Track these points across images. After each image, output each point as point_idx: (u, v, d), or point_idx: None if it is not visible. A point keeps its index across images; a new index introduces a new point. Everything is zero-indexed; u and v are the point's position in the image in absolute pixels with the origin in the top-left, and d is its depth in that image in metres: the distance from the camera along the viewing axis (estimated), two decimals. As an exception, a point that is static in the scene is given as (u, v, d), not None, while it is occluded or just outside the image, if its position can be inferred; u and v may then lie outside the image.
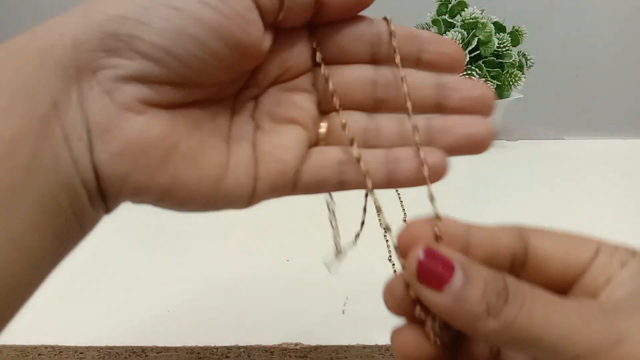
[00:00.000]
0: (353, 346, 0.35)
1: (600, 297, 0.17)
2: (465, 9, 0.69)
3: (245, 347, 0.35)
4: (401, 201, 0.51)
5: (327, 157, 0.21)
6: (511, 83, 0.68)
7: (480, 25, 0.67)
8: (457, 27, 0.68)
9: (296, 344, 0.35)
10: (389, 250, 0.43)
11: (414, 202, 0.52)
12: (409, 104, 0.21)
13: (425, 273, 0.16)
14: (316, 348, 0.35)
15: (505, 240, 0.18)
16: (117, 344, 0.35)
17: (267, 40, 0.19)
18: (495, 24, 0.69)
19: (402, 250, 0.18)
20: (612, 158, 0.66)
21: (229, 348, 0.35)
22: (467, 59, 0.66)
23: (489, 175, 0.63)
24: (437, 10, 0.73)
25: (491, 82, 0.66)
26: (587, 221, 0.52)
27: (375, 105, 0.22)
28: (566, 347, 0.15)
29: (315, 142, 0.22)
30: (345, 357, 0.36)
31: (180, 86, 0.18)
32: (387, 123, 0.22)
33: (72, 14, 0.18)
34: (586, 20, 1.52)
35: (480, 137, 0.21)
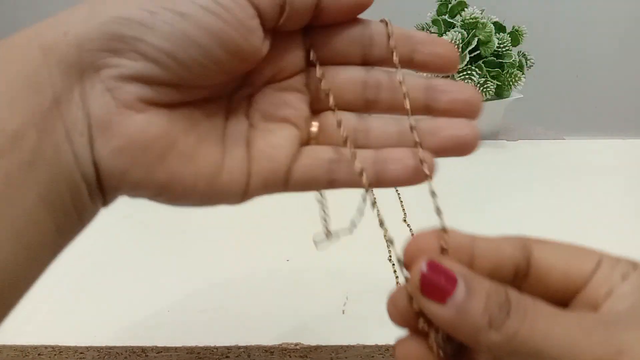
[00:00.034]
0: (353, 346, 0.35)
1: (602, 309, 0.17)
2: (465, 9, 0.69)
3: (245, 347, 0.35)
4: (401, 201, 0.51)
5: (318, 156, 0.22)
6: (511, 83, 0.68)
7: (480, 25, 0.67)
8: (457, 27, 0.68)
9: (296, 344, 0.35)
10: (389, 250, 0.43)
11: (414, 201, 0.52)
12: (407, 104, 0.21)
13: (428, 286, 0.16)
14: (316, 348, 0.35)
15: (509, 252, 0.18)
16: (117, 344, 0.35)
17: (265, 46, 0.20)
18: (495, 24, 0.69)
19: (408, 262, 0.18)
20: (612, 158, 0.67)
21: (229, 348, 0.35)
22: (467, 59, 0.66)
23: (489, 175, 0.63)
24: (437, 10, 0.73)
25: (491, 82, 0.66)
26: (587, 221, 0.52)
27: (365, 106, 0.22)
28: None
29: (307, 141, 0.22)
30: (345, 357, 0.36)
31: (180, 87, 0.19)
32: (376, 124, 0.22)
33: (76, 13, 0.18)
34: (586, 20, 1.52)
35: (466, 139, 0.21)
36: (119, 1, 0.18)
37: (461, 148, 0.21)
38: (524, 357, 0.16)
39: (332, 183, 0.22)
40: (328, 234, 0.25)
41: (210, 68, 0.19)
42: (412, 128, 0.21)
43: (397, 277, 0.42)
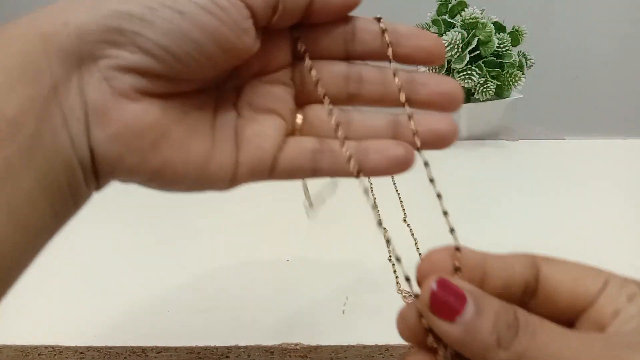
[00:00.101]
0: (353, 346, 0.35)
1: (608, 329, 0.17)
2: (465, 9, 0.69)
3: (245, 347, 0.35)
4: (401, 201, 0.51)
5: (302, 146, 0.23)
6: (511, 83, 0.68)
7: (480, 25, 0.67)
8: (457, 27, 0.68)
9: (296, 344, 0.35)
10: (389, 250, 0.43)
11: (414, 201, 0.52)
12: (402, 96, 0.22)
13: (437, 304, 0.16)
14: (316, 348, 0.35)
15: (519, 270, 0.18)
16: (117, 344, 0.35)
17: (257, 44, 0.21)
18: (495, 24, 0.69)
19: (421, 279, 0.18)
20: (612, 158, 0.66)
21: (229, 348, 0.35)
22: (467, 59, 0.66)
23: (489, 175, 0.63)
24: (437, 10, 0.73)
25: (491, 82, 0.66)
26: (587, 221, 0.52)
27: (347, 99, 0.23)
28: None
29: (292, 132, 0.23)
30: (345, 357, 0.36)
31: (173, 80, 0.20)
32: (357, 117, 0.23)
33: (77, 4, 0.19)
34: (586, 20, 1.52)
35: (444, 132, 0.22)
36: None
37: (439, 141, 0.22)
38: None
39: (316, 172, 0.22)
40: (311, 203, 0.26)
41: (203, 63, 0.20)
42: (410, 117, 0.22)
43: (397, 277, 0.42)
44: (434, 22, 0.73)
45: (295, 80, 0.23)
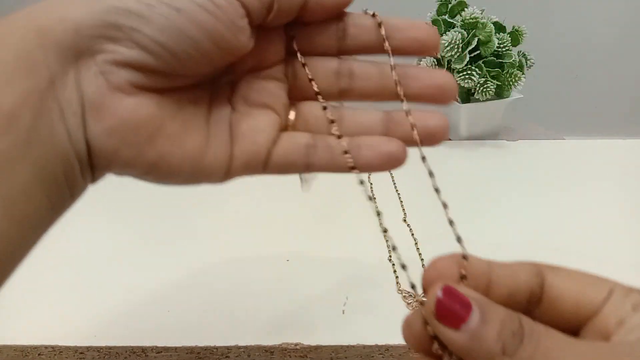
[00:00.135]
0: (353, 346, 0.35)
1: (613, 339, 0.17)
2: (465, 9, 0.69)
3: (245, 347, 0.35)
4: (401, 201, 0.51)
5: (296, 141, 0.23)
6: (511, 83, 0.68)
7: (480, 25, 0.67)
8: (457, 27, 0.68)
9: (296, 344, 0.35)
10: (389, 251, 0.43)
11: (414, 200, 0.52)
12: (399, 90, 0.22)
13: (443, 311, 0.17)
14: (316, 348, 0.35)
15: (524, 278, 0.18)
16: (117, 344, 0.35)
17: (251, 42, 0.21)
18: (495, 24, 0.69)
19: (427, 287, 0.18)
20: (612, 158, 0.66)
21: (229, 348, 0.35)
22: (467, 59, 0.66)
23: (489, 175, 0.63)
24: (437, 10, 0.73)
25: (491, 82, 0.66)
26: (587, 221, 0.52)
27: (339, 95, 0.23)
28: None
29: (285, 128, 0.24)
30: (345, 357, 0.36)
31: (169, 75, 0.20)
32: (349, 113, 0.23)
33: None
34: (586, 20, 1.52)
35: (435, 129, 0.22)
36: None
37: (430, 137, 0.22)
38: None
39: (309, 167, 0.23)
40: (303, 178, 0.26)
41: (199, 60, 0.20)
42: (407, 112, 0.22)
43: (397, 277, 0.42)
44: (434, 22, 0.73)
45: (288, 76, 0.24)
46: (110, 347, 0.35)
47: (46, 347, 0.35)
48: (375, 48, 0.22)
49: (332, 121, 0.22)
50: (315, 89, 0.23)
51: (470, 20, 0.67)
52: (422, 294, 0.18)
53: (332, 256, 0.45)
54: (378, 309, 0.39)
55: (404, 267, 0.19)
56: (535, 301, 0.18)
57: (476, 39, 0.67)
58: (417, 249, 0.43)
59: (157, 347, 0.35)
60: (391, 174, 0.53)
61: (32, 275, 0.41)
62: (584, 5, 1.50)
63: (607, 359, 0.16)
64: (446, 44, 0.65)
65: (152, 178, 0.21)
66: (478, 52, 0.68)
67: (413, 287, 0.19)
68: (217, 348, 0.35)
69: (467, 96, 0.70)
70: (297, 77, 0.23)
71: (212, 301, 0.40)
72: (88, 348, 0.35)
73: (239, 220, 0.51)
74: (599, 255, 0.45)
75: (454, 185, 0.58)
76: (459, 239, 0.20)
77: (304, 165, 0.23)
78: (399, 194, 0.52)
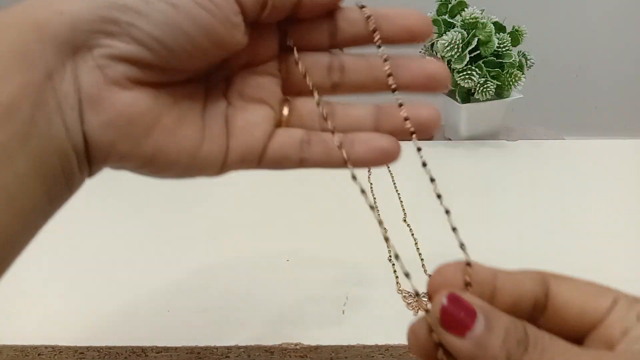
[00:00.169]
0: (353, 346, 0.35)
1: (617, 348, 0.17)
2: (465, 9, 0.69)
3: (245, 347, 0.35)
4: (401, 201, 0.51)
5: (290, 136, 0.23)
6: (511, 83, 0.68)
7: (480, 25, 0.67)
8: (457, 27, 0.68)
9: (296, 344, 0.35)
10: (389, 251, 0.43)
11: (414, 198, 0.52)
12: (391, 80, 0.22)
13: (448, 319, 0.17)
14: (316, 348, 0.35)
15: (529, 286, 0.18)
16: (117, 344, 0.35)
17: (246, 38, 0.21)
18: (495, 24, 0.69)
19: (432, 294, 0.18)
20: (612, 158, 0.66)
21: (229, 348, 0.35)
22: (467, 59, 0.66)
23: (489, 175, 0.63)
24: (437, 10, 0.73)
25: (491, 82, 0.66)
26: (587, 221, 0.52)
27: (331, 89, 0.23)
28: None
29: (279, 123, 0.24)
30: (345, 357, 0.36)
31: (165, 70, 0.21)
32: (340, 108, 0.24)
33: None
34: (586, 20, 1.52)
35: (427, 120, 0.22)
36: None
37: (422, 130, 0.22)
38: None
39: (303, 162, 0.23)
40: None
41: (194, 55, 0.20)
42: (400, 105, 0.22)
43: (397, 277, 0.42)
44: (434, 22, 0.73)
45: (282, 71, 0.24)
46: (110, 347, 0.35)
47: (46, 347, 0.35)
48: (367, 40, 0.22)
49: (326, 116, 0.22)
50: (310, 85, 0.23)
51: (470, 20, 0.67)
52: (426, 300, 0.18)
53: (332, 256, 0.45)
54: (378, 309, 0.39)
55: (407, 275, 0.19)
56: (539, 309, 0.18)
57: (476, 39, 0.67)
58: (417, 249, 0.43)
59: (157, 347, 0.35)
60: (391, 174, 0.53)
61: (32, 275, 0.41)
62: (584, 5, 1.50)
63: None
64: (446, 44, 0.65)
65: (149, 171, 0.22)
66: (478, 52, 0.68)
67: (417, 294, 0.19)
68: (217, 348, 0.35)
69: (467, 96, 0.70)
70: (290, 72, 0.23)
71: (212, 301, 0.40)
72: (88, 348, 0.35)
73: (239, 220, 0.51)
74: (599, 255, 0.45)
75: (454, 185, 0.58)
76: (462, 246, 0.20)
77: (298, 160, 0.23)
78: (398, 194, 0.52)
